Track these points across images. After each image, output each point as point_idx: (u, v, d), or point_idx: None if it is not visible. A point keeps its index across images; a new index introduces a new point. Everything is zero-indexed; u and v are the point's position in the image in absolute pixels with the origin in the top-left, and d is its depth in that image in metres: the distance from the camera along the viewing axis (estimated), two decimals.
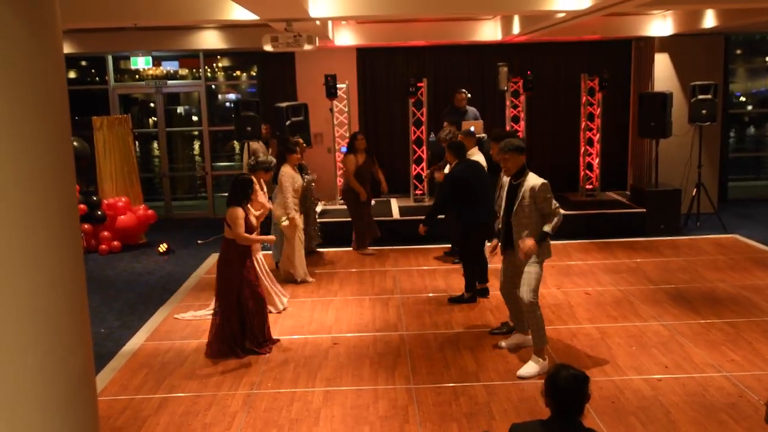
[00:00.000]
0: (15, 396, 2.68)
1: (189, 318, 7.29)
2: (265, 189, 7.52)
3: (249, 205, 6.36)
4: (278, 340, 6.54)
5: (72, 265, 2.89)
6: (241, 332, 6.26)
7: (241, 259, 6.23)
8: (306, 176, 8.95)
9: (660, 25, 11.04)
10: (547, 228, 5.55)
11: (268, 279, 7.29)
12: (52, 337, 2.77)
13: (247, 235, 6.19)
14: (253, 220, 6.38)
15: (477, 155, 7.99)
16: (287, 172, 8.06)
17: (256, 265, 6.78)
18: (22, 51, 2.63)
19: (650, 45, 11.66)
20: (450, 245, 9.46)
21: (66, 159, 2.88)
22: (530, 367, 5.72)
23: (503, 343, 6.33)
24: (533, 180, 5.61)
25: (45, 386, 2.75)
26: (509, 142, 5.75)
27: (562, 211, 5.63)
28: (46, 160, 2.74)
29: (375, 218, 10.15)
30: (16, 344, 2.67)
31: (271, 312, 7.00)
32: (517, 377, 5.66)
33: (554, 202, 5.58)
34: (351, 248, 9.82)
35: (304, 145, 9.15)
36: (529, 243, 5.56)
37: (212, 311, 6.50)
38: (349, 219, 9.78)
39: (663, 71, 11.63)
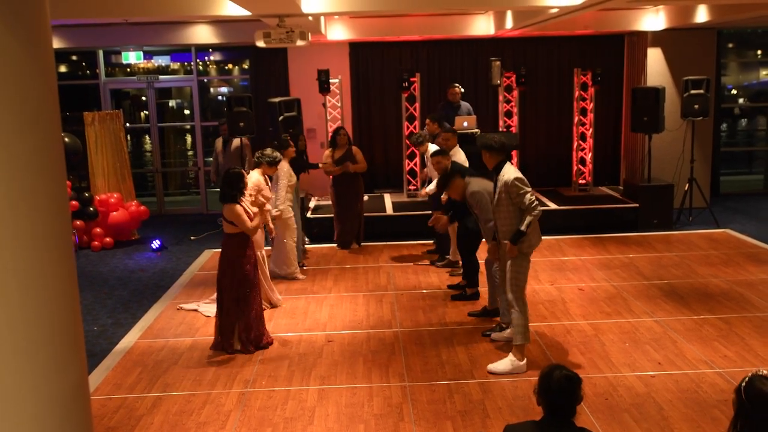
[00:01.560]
0: (4, 405, 2.66)
1: (191, 308, 7.32)
2: (270, 184, 7.47)
3: (245, 200, 6.33)
4: (271, 343, 6.49)
5: (63, 266, 2.85)
6: (235, 329, 6.25)
7: (242, 254, 6.20)
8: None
9: (652, 19, 11.05)
10: (521, 227, 5.61)
11: (265, 275, 7.34)
12: (44, 345, 2.74)
13: (254, 223, 6.23)
14: (250, 214, 6.34)
15: (459, 154, 7.97)
16: (283, 166, 7.98)
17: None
18: (8, 45, 2.59)
19: (643, 39, 11.67)
20: (432, 241, 9.38)
21: (56, 155, 2.84)
22: (502, 364, 5.72)
23: (493, 335, 6.40)
24: (507, 174, 5.69)
25: (37, 395, 2.72)
26: (485, 139, 5.88)
27: (540, 207, 5.67)
28: (36, 158, 2.70)
29: (369, 213, 10.13)
30: (5, 351, 2.64)
31: (266, 308, 7.00)
32: (487, 371, 5.69)
33: (530, 197, 5.61)
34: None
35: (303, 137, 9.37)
36: (507, 248, 5.70)
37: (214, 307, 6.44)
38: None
39: (655, 66, 11.64)
